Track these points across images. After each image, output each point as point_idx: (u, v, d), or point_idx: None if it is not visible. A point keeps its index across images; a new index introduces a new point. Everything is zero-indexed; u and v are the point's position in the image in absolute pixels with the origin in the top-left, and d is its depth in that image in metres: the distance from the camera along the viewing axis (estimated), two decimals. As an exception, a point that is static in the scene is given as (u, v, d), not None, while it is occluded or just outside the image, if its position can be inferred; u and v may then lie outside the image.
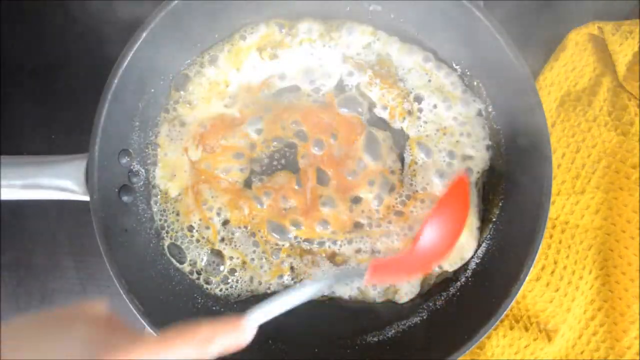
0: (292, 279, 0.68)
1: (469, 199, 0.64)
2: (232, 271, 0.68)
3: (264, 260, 0.68)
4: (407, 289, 0.67)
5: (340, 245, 0.67)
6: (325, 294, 0.66)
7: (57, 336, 0.38)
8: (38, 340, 0.38)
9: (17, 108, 0.75)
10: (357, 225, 0.67)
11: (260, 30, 0.69)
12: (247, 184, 0.68)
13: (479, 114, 0.68)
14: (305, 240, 0.68)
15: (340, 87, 0.70)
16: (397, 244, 0.67)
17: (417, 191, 0.68)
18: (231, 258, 0.68)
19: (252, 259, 0.68)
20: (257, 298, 0.68)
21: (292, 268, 0.68)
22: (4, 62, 0.75)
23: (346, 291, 0.67)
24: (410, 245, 0.59)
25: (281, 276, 0.68)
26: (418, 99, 0.69)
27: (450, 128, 0.68)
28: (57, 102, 0.75)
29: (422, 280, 0.67)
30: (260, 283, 0.68)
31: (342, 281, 0.62)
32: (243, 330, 0.45)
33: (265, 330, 0.66)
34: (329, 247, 0.67)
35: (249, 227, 0.68)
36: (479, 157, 0.68)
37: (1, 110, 0.75)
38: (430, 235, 0.59)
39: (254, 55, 0.69)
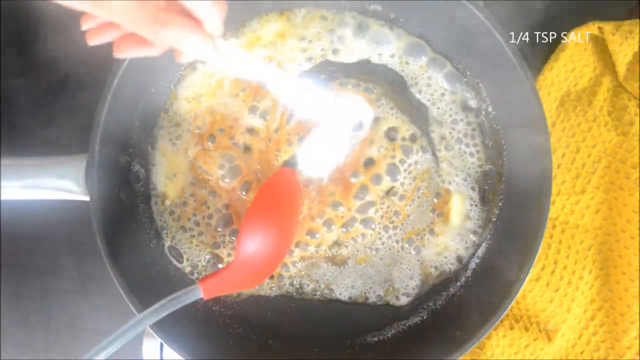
0: (292, 281, 0.68)
1: (298, 194, 0.60)
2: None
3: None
4: (402, 292, 0.67)
5: (341, 246, 0.68)
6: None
7: None
8: None
9: (17, 108, 0.75)
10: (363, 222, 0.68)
11: (259, 28, 0.69)
12: (247, 184, 0.68)
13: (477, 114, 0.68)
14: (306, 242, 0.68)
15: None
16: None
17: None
18: (230, 258, 0.68)
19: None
20: (256, 298, 0.68)
21: (291, 269, 0.68)
22: (4, 62, 0.76)
23: (345, 293, 0.68)
24: (236, 255, 0.55)
25: (281, 277, 0.68)
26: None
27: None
28: (57, 102, 0.75)
29: (421, 281, 0.67)
30: (260, 284, 0.68)
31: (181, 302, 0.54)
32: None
33: (266, 330, 0.67)
34: (329, 249, 0.68)
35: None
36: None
37: (1, 110, 0.75)
38: (254, 239, 0.54)
39: (253, 52, 0.69)
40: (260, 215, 0.56)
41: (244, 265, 0.55)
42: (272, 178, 0.62)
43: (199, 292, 0.54)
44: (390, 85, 0.70)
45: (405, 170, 0.68)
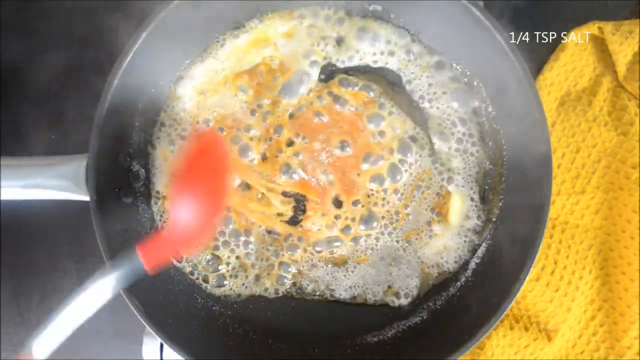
0: (292, 283, 0.68)
1: (223, 155, 0.60)
2: (232, 272, 0.68)
3: (264, 261, 0.68)
4: (402, 292, 0.67)
5: (340, 246, 0.68)
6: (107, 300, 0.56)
7: None
8: None
9: (17, 108, 0.75)
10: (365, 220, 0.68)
11: (260, 28, 0.69)
12: (247, 184, 0.68)
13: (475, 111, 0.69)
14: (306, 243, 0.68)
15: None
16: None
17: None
18: (230, 259, 0.68)
19: (253, 263, 0.68)
20: (256, 298, 0.68)
21: (291, 269, 0.68)
22: (4, 62, 0.76)
23: (345, 293, 0.68)
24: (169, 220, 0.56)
25: (281, 277, 0.68)
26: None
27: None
28: (57, 102, 0.75)
29: (421, 281, 0.67)
30: (260, 284, 0.68)
31: (124, 278, 0.54)
32: None
33: (266, 330, 0.67)
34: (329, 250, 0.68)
35: (249, 229, 0.68)
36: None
37: (1, 110, 0.75)
38: (186, 204, 0.54)
39: (253, 51, 0.69)
40: (188, 177, 0.56)
41: (178, 226, 0.55)
42: (195, 141, 0.61)
43: (137, 259, 0.53)
44: (390, 85, 0.70)
45: (405, 170, 0.68)
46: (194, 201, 0.55)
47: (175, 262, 0.67)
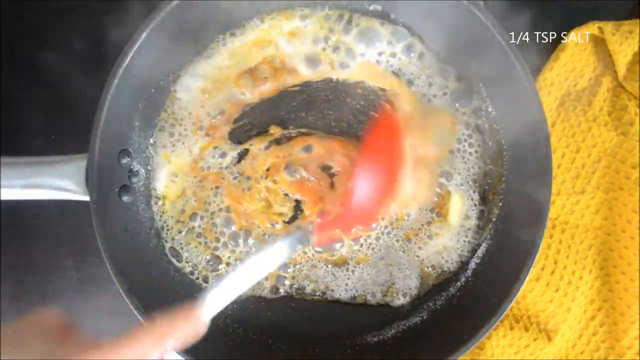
0: (292, 283, 0.68)
1: (400, 135, 0.61)
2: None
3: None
4: (402, 292, 0.67)
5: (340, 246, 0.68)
6: (278, 265, 0.60)
7: (11, 350, 0.38)
8: None
9: (17, 108, 0.75)
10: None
11: (259, 26, 0.69)
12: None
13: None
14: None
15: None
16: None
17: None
18: (230, 259, 0.68)
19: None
20: (257, 299, 0.68)
21: (291, 270, 0.68)
22: (4, 62, 0.75)
23: (345, 293, 0.68)
24: (347, 198, 0.57)
25: (281, 277, 0.68)
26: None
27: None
28: (57, 102, 0.75)
29: (421, 281, 0.67)
30: (260, 284, 0.68)
31: (293, 247, 0.55)
32: (198, 321, 0.44)
33: (266, 330, 0.67)
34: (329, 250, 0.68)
35: (249, 230, 0.68)
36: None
37: (1, 110, 0.75)
38: (365, 184, 0.56)
39: (255, 50, 0.69)
40: (370, 155, 0.58)
41: (356, 205, 0.56)
42: (381, 120, 0.62)
43: (310, 233, 0.55)
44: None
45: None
46: (373, 178, 0.56)
47: (175, 262, 0.67)
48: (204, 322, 0.44)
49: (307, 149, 0.68)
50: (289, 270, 0.68)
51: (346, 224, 0.59)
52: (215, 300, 0.46)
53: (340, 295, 0.67)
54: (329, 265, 0.68)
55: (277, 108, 0.69)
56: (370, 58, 0.69)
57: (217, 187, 0.68)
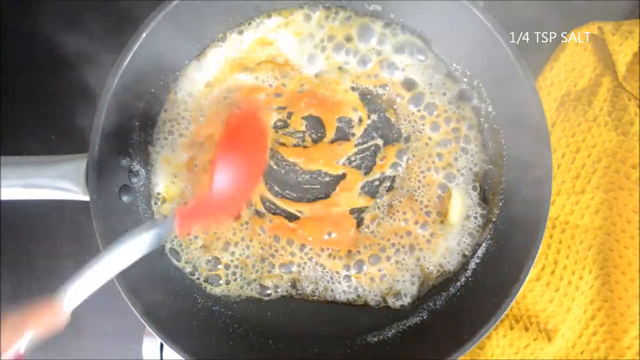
0: (292, 283, 0.68)
1: (263, 126, 0.63)
2: (232, 272, 0.68)
3: (264, 262, 0.68)
4: (403, 293, 0.67)
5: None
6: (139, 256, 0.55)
7: None
8: None
9: (17, 108, 0.75)
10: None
11: (259, 26, 0.69)
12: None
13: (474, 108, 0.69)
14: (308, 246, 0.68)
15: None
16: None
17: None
18: (231, 260, 0.68)
19: (253, 264, 0.68)
20: (257, 299, 0.68)
21: (291, 270, 0.68)
22: (4, 62, 0.76)
23: (345, 294, 0.68)
24: (208, 185, 0.57)
25: (281, 278, 0.68)
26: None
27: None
28: (57, 102, 0.75)
29: (421, 281, 0.67)
30: (261, 285, 0.68)
31: (157, 237, 0.54)
32: (57, 313, 0.45)
33: (266, 331, 0.67)
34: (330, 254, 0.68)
35: (249, 231, 0.68)
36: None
37: (1, 110, 0.75)
38: (226, 172, 0.56)
39: (257, 50, 0.69)
40: (229, 146, 0.58)
41: (217, 194, 0.56)
42: (238, 114, 0.63)
43: (171, 223, 0.54)
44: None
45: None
46: (233, 170, 0.56)
47: (175, 262, 0.67)
48: (64, 313, 0.45)
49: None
50: (289, 270, 0.68)
51: (208, 211, 0.58)
52: (76, 292, 0.46)
53: (340, 296, 0.67)
54: (328, 268, 0.68)
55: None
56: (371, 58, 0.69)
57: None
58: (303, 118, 0.69)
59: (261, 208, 0.68)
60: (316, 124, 0.69)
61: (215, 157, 0.57)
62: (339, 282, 0.67)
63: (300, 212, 0.68)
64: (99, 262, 0.49)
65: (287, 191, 0.69)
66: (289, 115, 0.69)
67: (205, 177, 0.66)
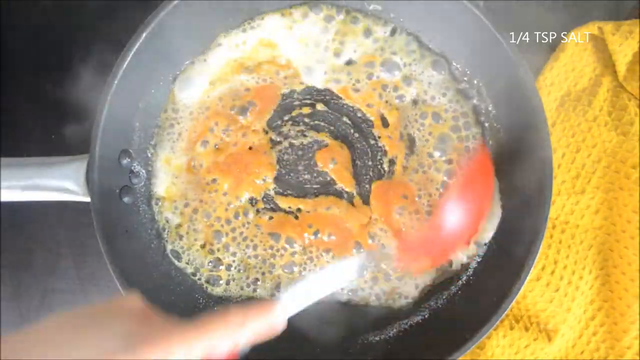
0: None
1: (491, 172, 0.63)
2: (234, 272, 0.68)
3: (265, 262, 0.68)
4: (404, 294, 0.67)
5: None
6: (352, 279, 0.59)
7: (95, 332, 0.38)
8: (76, 337, 0.38)
9: (17, 108, 0.75)
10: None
11: (260, 27, 0.69)
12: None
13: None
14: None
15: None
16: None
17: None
18: (232, 260, 0.68)
19: (254, 264, 0.68)
20: (257, 300, 0.68)
21: (293, 270, 0.68)
22: (4, 63, 0.75)
23: (346, 294, 0.68)
24: (435, 222, 0.57)
25: (282, 278, 0.68)
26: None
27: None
28: (57, 102, 0.74)
29: (422, 281, 0.67)
30: (261, 285, 0.68)
31: (370, 265, 0.57)
32: (276, 316, 0.44)
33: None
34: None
35: (250, 233, 0.68)
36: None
37: (1, 110, 0.75)
38: (454, 214, 0.57)
39: (258, 50, 0.69)
40: (467, 191, 0.59)
41: (443, 233, 0.57)
42: (473, 162, 0.63)
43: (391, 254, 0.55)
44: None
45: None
46: (462, 213, 0.57)
47: (176, 263, 0.67)
48: (282, 319, 0.44)
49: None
50: (293, 269, 0.68)
51: (430, 248, 0.58)
52: (292, 300, 0.45)
53: (341, 296, 0.68)
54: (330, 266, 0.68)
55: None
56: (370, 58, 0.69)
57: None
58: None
59: (262, 206, 0.68)
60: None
61: (448, 198, 0.58)
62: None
63: (300, 210, 0.68)
64: (318, 274, 0.49)
65: (289, 190, 0.69)
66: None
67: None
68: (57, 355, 0.36)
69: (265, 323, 0.43)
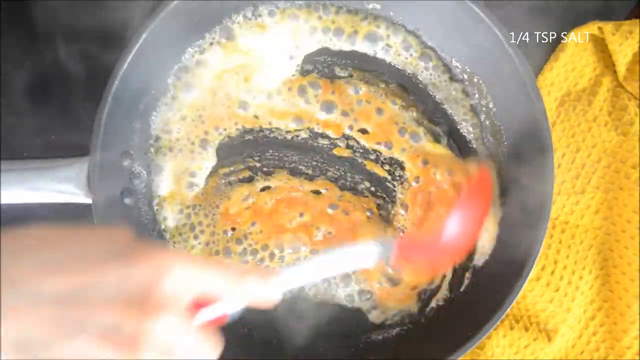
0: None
1: (492, 193, 0.63)
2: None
3: (268, 264, 0.68)
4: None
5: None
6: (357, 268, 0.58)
7: (80, 246, 0.37)
8: (59, 247, 0.36)
9: (17, 109, 0.75)
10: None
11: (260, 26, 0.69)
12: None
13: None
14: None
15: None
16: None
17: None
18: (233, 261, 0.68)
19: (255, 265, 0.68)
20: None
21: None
22: (3, 63, 0.75)
23: (348, 295, 0.68)
24: (438, 230, 0.56)
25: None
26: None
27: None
28: (58, 104, 0.74)
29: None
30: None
31: (379, 255, 0.52)
32: (272, 287, 0.42)
33: (269, 330, 0.67)
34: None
35: (250, 235, 0.68)
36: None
37: (1, 111, 0.74)
38: (454, 226, 0.56)
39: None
40: (471, 203, 0.58)
41: (443, 242, 0.55)
42: (478, 177, 0.63)
43: (389, 250, 0.52)
44: (389, 85, 0.70)
45: (406, 170, 0.69)
46: (464, 223, 0.56)
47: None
48: (276, 292, 0.42)
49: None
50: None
51: (429, 253, 0.57)
52: (290, 276, 0.45)
53: (343, 297, 0.68)
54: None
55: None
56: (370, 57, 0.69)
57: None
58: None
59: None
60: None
61: (453, 207, 0.57)
62: (342, 283, 0.68)
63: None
64: (323, 256, 0.48)
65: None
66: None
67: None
68: (34, 262, 0.35)
69: (261, 292, 0.41)
